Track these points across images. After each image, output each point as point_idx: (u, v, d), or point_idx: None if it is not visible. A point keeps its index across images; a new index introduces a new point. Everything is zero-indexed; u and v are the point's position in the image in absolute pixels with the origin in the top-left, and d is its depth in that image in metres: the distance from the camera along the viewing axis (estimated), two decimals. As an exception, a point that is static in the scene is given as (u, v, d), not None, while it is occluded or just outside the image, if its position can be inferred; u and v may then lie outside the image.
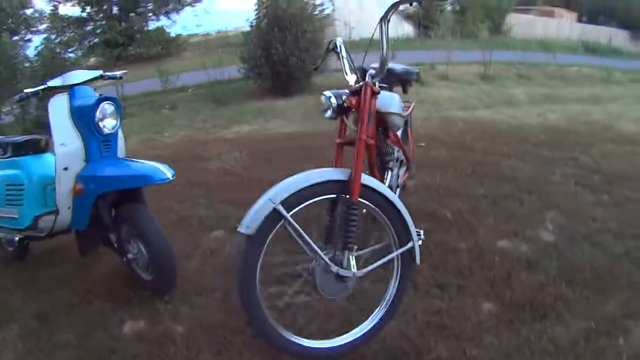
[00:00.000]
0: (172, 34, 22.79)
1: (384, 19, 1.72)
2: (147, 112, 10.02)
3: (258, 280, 1.65)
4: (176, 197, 3.89)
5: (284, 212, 1.59)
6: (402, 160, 2.85)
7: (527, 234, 2.92)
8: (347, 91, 1.87)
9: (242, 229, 1.60)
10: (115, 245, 2.57)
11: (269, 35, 10.26)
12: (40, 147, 2.89)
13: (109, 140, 2.51)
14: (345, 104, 1.83)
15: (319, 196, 1.67)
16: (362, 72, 1.96)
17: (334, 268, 1.70)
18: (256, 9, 10.82)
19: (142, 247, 2.46)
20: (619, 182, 3.95)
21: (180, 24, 23.59)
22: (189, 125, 8.52)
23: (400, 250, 1.79)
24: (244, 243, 1.63)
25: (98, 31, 21.25)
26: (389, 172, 2.60)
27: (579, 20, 30.88)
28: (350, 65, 2.03)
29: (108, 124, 2.46)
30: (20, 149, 2.82)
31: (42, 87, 2.54)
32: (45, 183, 2.69)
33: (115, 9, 21.63)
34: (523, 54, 14.26)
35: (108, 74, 2.76)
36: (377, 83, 1.83)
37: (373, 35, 1.78)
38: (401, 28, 22.10)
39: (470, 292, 2.27)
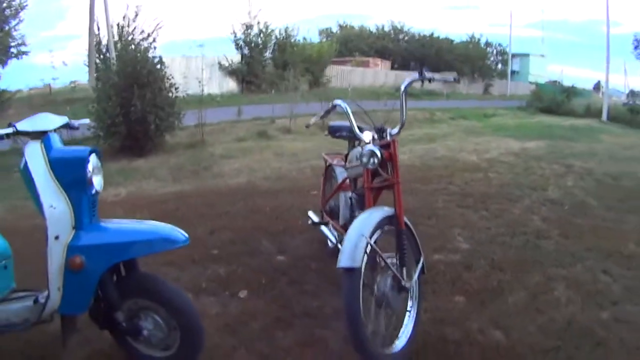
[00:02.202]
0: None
1: (404, 91, 2.49)
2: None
3: (362, 309, 2.14)
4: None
5: (373, 244, 2.19)
6: None
7: (450, 247, 3.84)
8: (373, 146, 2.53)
9: (345, 263, 2.13)
10: (124, 324, 2.28)
11: (128, 92, 10.15)
12: None
13: (95, 200, 2.28)
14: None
15: (383, 228, 2.32)
16: (378, 131, 2.66)
17: (404, 282, 2.32)
18: (101, 63, 10.77)
19: (158, 319, 2.28)
20: (489, 200, 5.15)
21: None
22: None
23: (420, 264, 2.48)
24: (347, 278, 2.14)
25: None
26: None
27: (392, 67, 35.46)
28: (356, 124, 2.72)
29: (97, 181, 2.25)
30: None
31: (8, 130, 2.15)
32: (3, 257, 2.33)
33: None
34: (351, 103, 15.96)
35: (74, 122, 2.58)
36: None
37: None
38: (225, 84, 23.14)
39: (442, 292, 3.06)
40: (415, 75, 2.60)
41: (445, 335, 2.54)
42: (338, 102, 2.86)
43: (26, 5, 22.15)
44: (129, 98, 10.15)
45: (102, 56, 19.09)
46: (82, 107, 11.23)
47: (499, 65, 40.69)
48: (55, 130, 2.29)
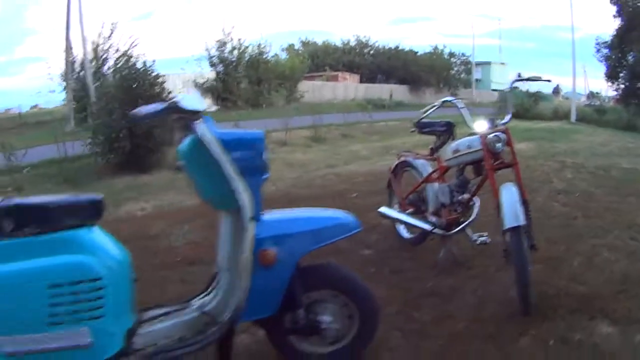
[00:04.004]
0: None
1: (509, 89, 3.24)
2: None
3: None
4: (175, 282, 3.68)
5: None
6: None
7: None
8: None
9: (512, 223, 2.75)
10: (303, 322, 2.17)
11: (131, 106, 9.27)
12: (96, 212, 2.03)
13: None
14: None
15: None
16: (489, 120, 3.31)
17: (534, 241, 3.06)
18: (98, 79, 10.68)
19: (336, 310, 2.25)
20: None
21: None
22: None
23: None
24: (514, 236, 2.76)
25: None
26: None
27: (361, 81, 36.57)
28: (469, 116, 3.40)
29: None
30: (73, 217, 1.95)
31: (170, 104, 1.98)
32: (130, 271, 2.05)
33: None
34: (337, 116, 16.77)
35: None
36: None
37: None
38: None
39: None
40: (515, 77, 3.36)
41: (545, 291, 3.12)
42: (449, 98, 3.59)
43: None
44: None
45: (77, 75, 19.31)
46: (54, 128, 11.22)
47: (462, 75, 42.39)
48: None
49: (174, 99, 1.98)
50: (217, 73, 24.80)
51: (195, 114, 1.99)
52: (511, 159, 3.23)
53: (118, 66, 11.16)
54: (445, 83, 38.77)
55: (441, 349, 2.54)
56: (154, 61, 10.92)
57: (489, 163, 3.21)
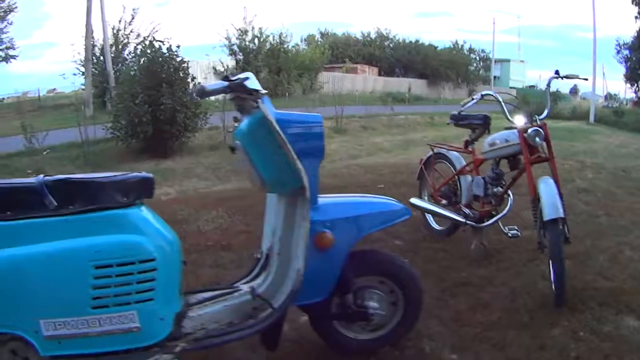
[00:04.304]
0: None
1: (548, 85, 3.50)
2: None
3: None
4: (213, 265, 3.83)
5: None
6: None
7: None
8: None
9: (552, 215, 2.90)
10: (351, 307, 2.22)
11: (155, 91, 10.05)
12: (147, 191, 2.03)
13: None
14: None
15: None
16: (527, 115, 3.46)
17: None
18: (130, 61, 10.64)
19: (382, 296, 2.30)
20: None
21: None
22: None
23: None
24: (554, 227, 2.92)
25: None
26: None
27: (379, 74, 36.61)
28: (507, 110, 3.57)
29: None
30: (122, 195, 1.89)
31: (233, 82, 2.00)
32: (180, 253, 2.02)
33: None
34: (357, 108, 16.92)
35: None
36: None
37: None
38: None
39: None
40: (553, 74, 3.50)
41: (574, 285, 3.22)
42: (488, 92, 3.75)
43: (16, 7, 22.41)
44: (156, 97, 9.99)
45: (97, 60, 19.48)
46: (71, 113, 11.38)
47: (481, 71, 42.25)
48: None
49: (238, 78, 2.01)
50: (237, 61, 24.77)
51: (257, 94, 1.98)
52: (547, 154, 3.36)
53: (142, 50, 10.86)
54: (464, 79, 38.76)
55: (478, 337, 2.69)
56: (178, 46, 10.95)
57: (527, 156, 3.36)
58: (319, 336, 2.38)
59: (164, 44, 10.81)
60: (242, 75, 2.05)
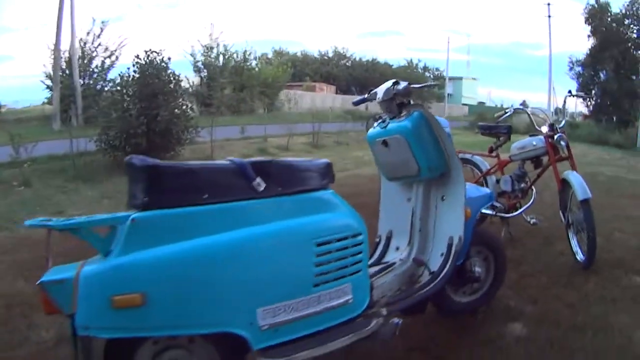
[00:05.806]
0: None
1: (564, 103, 4.45)
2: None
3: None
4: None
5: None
6: None
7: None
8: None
9: (584, 196, 3.63)
10: (469, 272, 2.63)
11: (148, 102, 10.14)
12: (332, 176, 2.20)
13: None
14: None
15: None
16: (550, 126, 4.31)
17: None
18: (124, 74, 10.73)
19: (483, 263, 2.75)
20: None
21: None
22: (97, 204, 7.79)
23: None
24: (586, 207, 3.67)
25: None
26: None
27: (337, 92, 37.90)
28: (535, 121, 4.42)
29: None
30: (314, 179, 2.04)
31: (402, 86, 2.61)
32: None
33: None
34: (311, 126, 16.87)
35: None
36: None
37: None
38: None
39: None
40: (567, 94, 4.45)
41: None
42: (517, 106, 4.64)
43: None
44: (149, 109, 10.03)
45: (62, 73, 19.20)
46: (38, 126, 11.56)
47: (435, 89, 43.94)
48: None
49: (406, 83, 2.51)
50: (201, 78, 25.13)
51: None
52: (567, 154, 4.18)
53: (137, 62, 10.91)
54: (418, 96, 39.97)
55: (540, 294, 3.44)
56: (169, 58, 11.24)
57: (553, 156, 4.25)
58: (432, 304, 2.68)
59: (158, 55, 11.00)
60: (390, 82, 2.67)
